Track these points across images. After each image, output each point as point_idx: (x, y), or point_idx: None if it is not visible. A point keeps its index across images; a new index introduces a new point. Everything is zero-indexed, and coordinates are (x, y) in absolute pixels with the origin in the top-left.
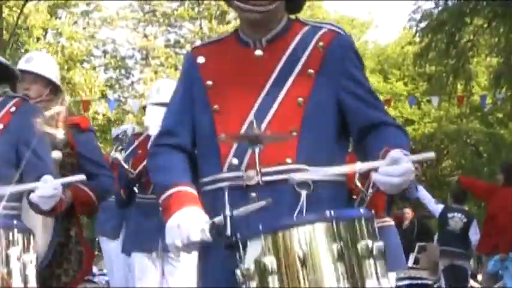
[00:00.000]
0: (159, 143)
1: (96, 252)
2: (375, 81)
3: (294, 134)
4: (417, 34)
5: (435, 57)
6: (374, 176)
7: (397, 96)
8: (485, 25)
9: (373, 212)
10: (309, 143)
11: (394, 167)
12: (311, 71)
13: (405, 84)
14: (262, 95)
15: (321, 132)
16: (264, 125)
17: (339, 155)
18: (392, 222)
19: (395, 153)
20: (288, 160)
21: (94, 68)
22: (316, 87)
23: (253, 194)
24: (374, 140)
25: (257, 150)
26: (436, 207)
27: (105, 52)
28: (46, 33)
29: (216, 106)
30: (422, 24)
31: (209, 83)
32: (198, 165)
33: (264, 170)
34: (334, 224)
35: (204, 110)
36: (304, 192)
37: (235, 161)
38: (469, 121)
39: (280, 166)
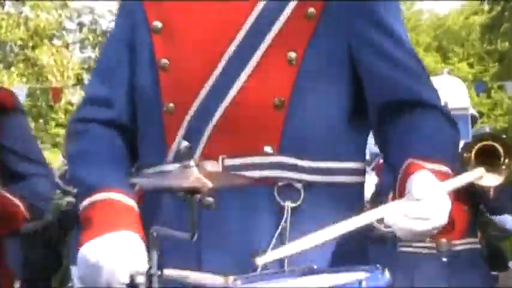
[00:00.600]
0: (84, 116)
1: (70, 284)
2: (431, 61)
3: (280, 107)
4: (486, 1)
5: (508, 31)
6: (385, 213)
7: None
8: None
9: (388, 277)
10: (302, 123)
11: (415, 205)
12: (312, 10)
13: (470, 65)
14: (234, 45)
15: (323, 106)
16: (233, 93)
17: (353, 142)
18: (478, 245)
19: (419, 182)
20: (267, 149)
21: (67, 46)
22: (319, 37)
23: (210, 200)
24: (398, 136)
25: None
26: None
27: (81, 25)
28: (4, 0)
29: (164, 61)
30: None
31: (157, 24)
32: (138, 150)
33: (229, 162)
34: None
35: (147, 65)
36: (289, 205)
37: (185, 145)
38: None
39: (255, 157)
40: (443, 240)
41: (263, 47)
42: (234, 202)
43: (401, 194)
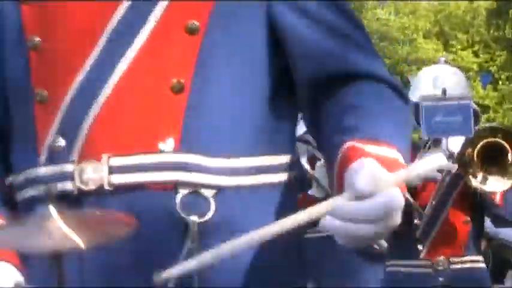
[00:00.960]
0: None
1: None
2: (431, 49)
3: (180, 91)
4: None
5: None
6: (320, 214)
7: (463, 71)
8: None
9: None
10: (208, 111)
11: (356, 205)
12: None
13: (475, 53)
14: (118, 15)
15: (236, 88)
16: (117, 75)
17: (278, 131)
18: (483, 264)
19: (361, 175)
20: (162, 145)
21: None
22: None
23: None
24: (334, 115)
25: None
26: None
27: None
28: None
29: (36, 39)
30: None
31: None
32: (10, 150)
33: (115, 161)
34: None
35: (17, 44)
36: (195, 221)
37: (59, 142)
38: None
39: (149, 156)
40: (441, 257)
41: (155, 15)
42: (130, 213)
43: (340, 186)
